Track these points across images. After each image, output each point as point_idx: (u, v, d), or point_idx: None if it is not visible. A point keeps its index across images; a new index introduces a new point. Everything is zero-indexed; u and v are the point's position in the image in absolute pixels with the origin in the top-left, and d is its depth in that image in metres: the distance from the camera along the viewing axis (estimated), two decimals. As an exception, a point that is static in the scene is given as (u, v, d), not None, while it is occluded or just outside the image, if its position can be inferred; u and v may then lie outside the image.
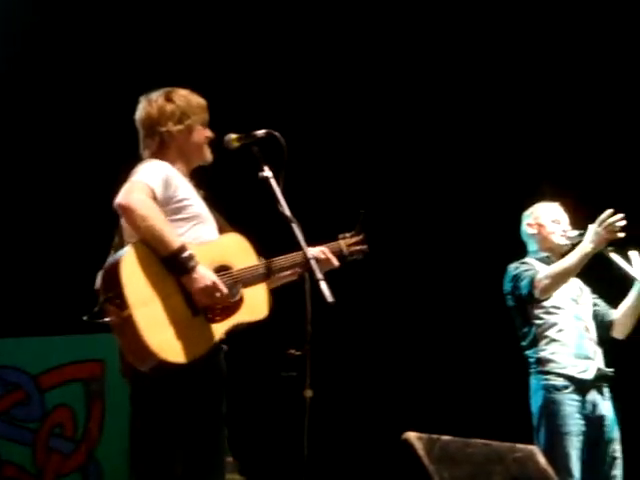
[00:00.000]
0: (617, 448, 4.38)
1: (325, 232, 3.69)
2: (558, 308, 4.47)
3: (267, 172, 3.36)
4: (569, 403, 4.32)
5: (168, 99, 3.49)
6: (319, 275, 3.14)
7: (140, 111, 3.51)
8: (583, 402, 4.35)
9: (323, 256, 3.55)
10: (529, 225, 4.68)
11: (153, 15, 6.46)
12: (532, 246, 4.67)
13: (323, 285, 3.09)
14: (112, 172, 3.43)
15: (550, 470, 3.62)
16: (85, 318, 3.17)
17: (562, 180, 5.67)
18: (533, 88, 6.31)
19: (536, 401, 4.40)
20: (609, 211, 4.29)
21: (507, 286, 4.54)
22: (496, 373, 5.96)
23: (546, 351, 4.41)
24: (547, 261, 4.56)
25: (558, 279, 4.36)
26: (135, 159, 3.45)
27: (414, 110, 6.51)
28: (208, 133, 3.54)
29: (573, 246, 4.49)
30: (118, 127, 4.07)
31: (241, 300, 3.32)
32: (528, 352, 4.47)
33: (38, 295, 6.71)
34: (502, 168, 6.31)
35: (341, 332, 6.02)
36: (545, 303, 4.44)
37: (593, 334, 4.51)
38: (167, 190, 3.32)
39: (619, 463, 4.37)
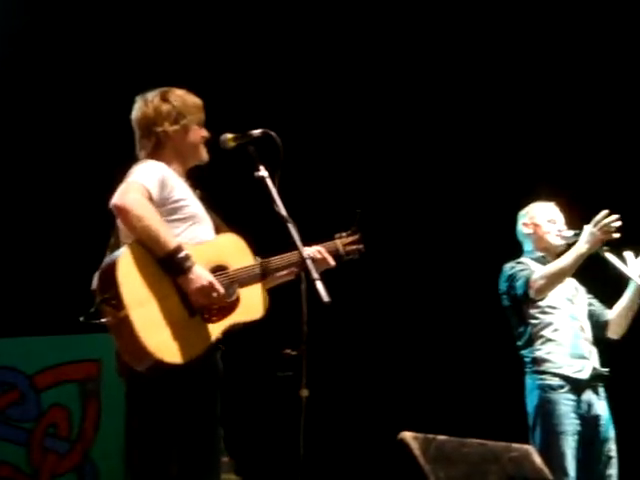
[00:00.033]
0: (612, 447, 4.39)
1: (321, 231, 3.69)
2: (554, 308, 4.47)
3: (263, 172, 3.36)
4: (564, 403, 4.33)
5: (164, 99, 3.49)
6: (315, 275, 3.14)
7: (136, 111, 3.51)
8: (578, 402, 4.35)
9: (319, 256, 3.55)
10: (525, 225, 4.68)
11: (148, 15, 6.46)
12: (528, 246, 4.68)
13: (319, 285, 3.10)
14: (108, 172, 3.43)
15: (546, 470, 3.63)
16: (82, 319, 3.17)
17: (557, 180, 5.67)
18: (528, 88, 6.31)
19: (532, 401, 4.41)
20: (604, 212, 4.30)
21: (502, 286, 4.55)
22: (492, 373, 5.96)
23: (542, 351, 4.42)
24: (543, 261, 4.57)
25: (553, 279, 4.37)
26: (131, 159, 3.44)
27: (410, 110, 6.51)
28: (204, 133, 3.54)
29: (568, 246, 4.49)
30: (114, 128, 4.07)
31: (238, 300, 3.32)
32: (524, 352, 4.48)
33: (34, 295, 6.70)
34: (498, 168, 6.32)
35: (337, 332, 6.02)
36: (541, 303, 4.44)
37: (588, 334, 4.52)
38: (163, 191, 3.32)
39: (614, 462, 4.38)
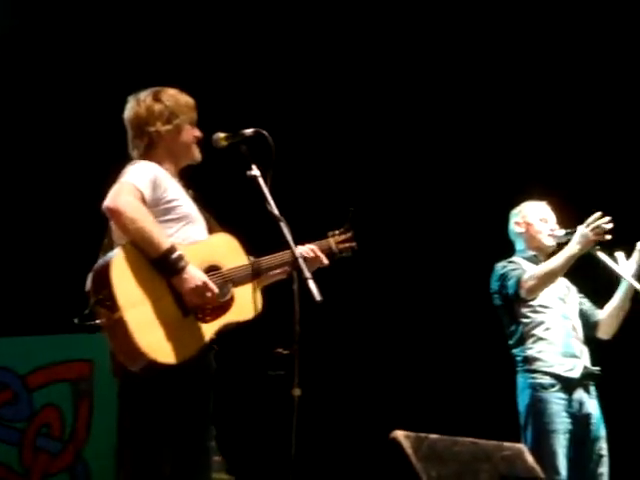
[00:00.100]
0: (603, 446, 4.40)
1: (314, 229, 3.70)
2: (545, 307, 4.48)
3: (255, 171, 3.36)
4: (556, 401, 4.33)
5: (156, 99, 3.49)
6: (307, 274, 3.15)
7: (128, 111, 3.51)
8: (570, 400, 4.36)
9: (312, 254, 3.56)
10: (517, 224, 4.69)
11: (141, 15, 6.45)
12: (520, 245, 4.69)
13: (311, 284, 3.10)
14: (101, 172, 3.42)
15: (538, 468, 3.64)
16: (76, 321, 3.17)
17: (549, 179, 5.69)
18: (521, 87, 6.32)
19: (523, 399, 4.41)
20: (597, 214, 4.31)
21: (494, 285, 4.55)
22: (483, 372, 5.97)
23: (533, 350, 4.43)
24: (534, 260, 4.58)
25: (545, 280, 4.38)
26: (124, 160, 3.44)
27: (402, 108, 6.52)
28: (197, 132, 3.54)
29: (560, 245, 4.51)
30: (107, 128, 4.07)
31: (232, 300, 3.33)
32: (515, 351, 4.49)
33: (26, 295, 6.69)
34: (490, 167, 6.33)
35: (329, 331, 6.03)
36: (532, 302, 4.45)
37: (580, 333, 4.53)
38: (156, 191, 3.32)
39: (605, 461, 4.38)
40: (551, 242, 4.58)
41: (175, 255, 3.19)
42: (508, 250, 4.71)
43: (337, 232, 3.74)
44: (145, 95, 3.51)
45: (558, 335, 4.45)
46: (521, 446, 3.77)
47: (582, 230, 4.33)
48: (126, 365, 3.18)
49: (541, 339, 4.44)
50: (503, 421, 4.59)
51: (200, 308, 3.25)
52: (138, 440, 3.24)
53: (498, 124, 6.38)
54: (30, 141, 6.71)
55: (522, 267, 4.50)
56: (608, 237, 4.32)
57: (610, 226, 4.30)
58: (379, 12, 6.39)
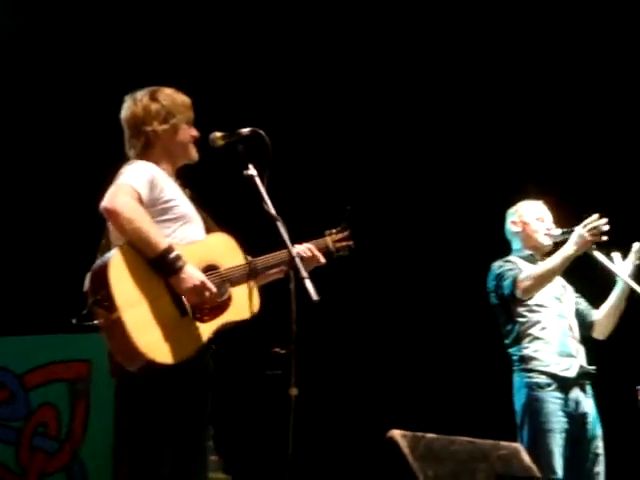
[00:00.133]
0: (599, 445, 4.41)
1: (311, 228, 3.70)
2: (541, 306, 4.49)
3: (252, 170, 3.36)
4: (552, 401, 4.34)
5: (153, 98, 3.48)
6: (304, 273, 3.15)
7: (125, 110, 3.51)
8: (566, 400, 4.37)
9: (309, 253, 3.57)
10: (513, 223, 4.70)
11: (137, 15, 6.45)
12: (516, 244, 4.69)
13: (308, 283, 3.11)
14: (98, 172, 3.42)
15: (534, 467, 3.65)
16: (74, 321, 3.18)
17: (546, 178, 5.70)
18: (517, 86, 6.33)
19: (519, 399, 4.42)
20: (595, 215, 4.32)
21: (490, 284, 4.56)
22: (480, 371, 5.98)
23: (529, 349, 4.43)
24: (531, 259, 4.58)
25: (541, 280, 4.39)
26: (122, 159, 3.44)
27: (399, 107, 6.52)
28: (193, 132, 3.54)
29: (556, 244, 4.51)
30: (104, 128, 4.06)
31: (229, 299, 3.33)
32: (511, 350, 4.49)
33: (23, 294, 6.69)
34: (487, 166, 6.34)
35: (326, 330, 6.03)
36: (528, 301, 4.46)
37: (576, 332, 4.54)
38: (153, 191, 3.32)
39: (602, 460, 4.39)
40: (547, 241, 4.59)
41: (173, 255, 3.19)
42: (504, 249, 4.71)
43: (334, 231, 3.75)
44: (142, 94, 3.51)
45: (554, 334, 4.45)
46: (517, 445, 3.78)
47: (579, 231, 4.34)
48: (124, 365, 3.17)
49: (537, 338, 4.44)
50: (499, 420, 4.60)
51: (198, 308, 3.25)
52: (136, 440, 3.24)
53: (495, 124, 6.39)
54: (29, 141, 6.70)
55: (518, 266, 4.51)
56: (604, 238, 4.33)
57: (607, 228, 4.31)
58: (375, 9, 6.39)
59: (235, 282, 3.35)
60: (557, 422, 4.31)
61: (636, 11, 6.04)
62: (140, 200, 3.25)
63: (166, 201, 3.35)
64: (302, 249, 3.54)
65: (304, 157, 6.37)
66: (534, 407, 4.35)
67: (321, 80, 6.51)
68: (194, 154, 3.54)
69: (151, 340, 3.12)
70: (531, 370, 4.39)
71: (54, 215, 6.66)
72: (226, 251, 3.40)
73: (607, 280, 4.54)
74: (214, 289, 3.24)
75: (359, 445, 5.93)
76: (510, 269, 4.50)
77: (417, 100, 6.47)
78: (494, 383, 4.92)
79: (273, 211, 3.28)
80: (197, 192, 3.55)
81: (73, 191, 6.29)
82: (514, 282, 4.42)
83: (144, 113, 3.46)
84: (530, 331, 4.46)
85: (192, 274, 3.21)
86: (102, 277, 3.14)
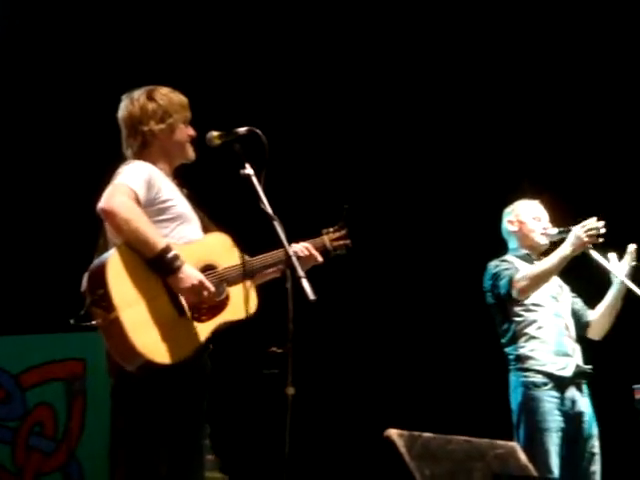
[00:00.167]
0: (595, 444, 4.41)
1: (309, 227, 3.70)
2: (538, 305, 4.49)
3: (249, 169, 3.36)
4: (548, 400, 4.35)
5: (150, 98, 3.48)
6: (300, 272, 3.15)
7: (122, 110, 3.51)
8: (562, 399, 4.37)
9: (306, 252, 3.57)
10: (510, 222, 4.70)
11: (134, 14, 6.44)
12: (512, 243, 4.70)
13: (305, 282, 3.11)
14: (95, 172, 3.42)
15: (530, 467, 3.65)
16: (72, 321, 3.17)
17: (542, 178, 5.70)
18: (514, 86, 6.34)
19: (516, 398, 4.42)
20: (593, 218, 4.33)
21: (487, 284, 4.56)
22: (476, 370, 5.98)
23: (525, 348, 4.44)
24: (527, 258, 4.59)
25: (537, 281, 4.39)
26: (119, 159, 3.44)
27: (396, 106, 6.53)
28: (190, 131, 3.53)
29: (553, 244, 4.52)
30: (102, 127, 4.06)
31: (227, 299, 3.33)
32: (508, 349, 4.49)
33: (19, 294, 6.68)
34: (483, 165, 6.34)
35: (323, 329, 6.03)
36: (525, 301, 4.46)
37: (572, 331, 4.54)
38: (150, 191, 3.32)
39: (597, 459, 4.40)
40: (544, 240, 4.59)
41: (171, 255, 3.19)
42: (501, 248, 4.72)
43: (331, 230, 3.75)
44: (139, 94, 3.50)
45: (550, 334, 4.46)
46: (514, 444, 3.78)
47: (576, 232, 4.34)
48: (122, 365, 3.17)
49: (533, 338, 4.45)
50: (496, 419, 4.60)
51: (196, 308, 3.25)
52: (134, 440, 3.23)
53: (491, 123, 6.40)
54: (27, 141, 6.70)
55: (515, 266, 4.51)
56: (601, 240, 4.34)
57: (604, 231, 4.32)
58: (370, 7, 6.40)
59: (232, 282, 3.35)
60: (553, 421, 4.32)
61: (630, 11, 6.05)
62: (137, 200, 3.25)
63: (163, 201, 3.35)
64: (299, 248, 3.55)
65: (301, 156, 6.37)
66: (530, 406, 4.35)
67: (316, 79, 6.51)
68: (191, 153, 3.54)
69: (149, 340, 3.12)
70: (527, 369, 4.40)
71: (51, 215, 6.66)
72: (223, 251, 3.40)
73: (603, 280, 4.55)
74: (212, 288, 3.25)
75: (356, 444, 5.94)
76: (506, 269, 4.50)
77: (414, 99, 6.48)
78: (490, 382, 4.93)
79: (270, 210, 3.28)
80: (194, 191, 3.55)
81: (70, 191, 6.29)
82: (510, 282, 4.42)
83: (141, 113, 3.46)
84: (526, 330, 4.46)
85: (190, 273, 3.21)
86: (100, 277, 3.14)
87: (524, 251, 4.63)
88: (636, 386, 4.31)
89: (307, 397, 3.40)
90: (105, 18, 6.43)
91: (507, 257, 4.62)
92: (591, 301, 4.66)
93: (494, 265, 4.57)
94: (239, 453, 6.16)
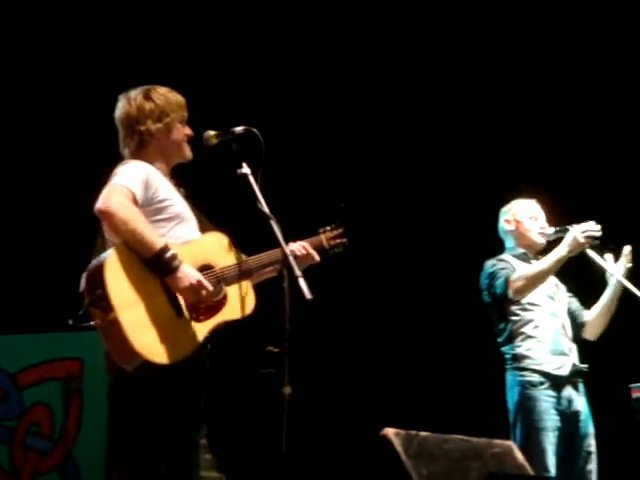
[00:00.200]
0: (592, 443, 4.42)
1: (305, 226, 3.71)
2: (534, 305, 4.50)
3: (246, 169, 3.36)
4: (545, 399, 4.35)
5: (147, 97, 3.48)
6: (297, 272, 3.15)
7: (119, 110, 3.51)
8: (558, 398, 4.38)
9: (303, 251, 3.57)
10: (506, 221, 4.70)
11: (131, 14, 6.44)
12: (509, 242, 4.70)
13: (301, 282, 3.11)
14: (92, 172, 3.42)
15: (527, 466, 3.66)
16: (70, 322, 3.18)
17: (539, 177, 5.71)
18: (511, 86, 6.34)
19: (512, 397, 4.43)
20: (592, 222, 4.34)
21: (483, 283, 4.57)
22: (473, 369, 5.98)
23: (522, 347, 4.44)
24: (524, 258, 4.59)
25: (533, 281, 4.40)
26: (116, 159, 3.44)
27: (393, 106, 6.53)
28: (187, 131, 3.54)
29: (550, 243, 4.52)
30: (99, 127, 4.06)
31: (224, 298, 3.33)
32: (504, 348, 4.50)
33: (16, 293, 6.68)
34: (480, 165, 6.35)
35: (320, 329, 6.03)
36: (521, 300, 4.47)
37: (569, 331, 4.55)
38: (147, 191, 3.32)
39: (594, 458, 4.41)
40: (541, 240, 4.60)
41: (169, 254, 3.19)
42: (498, 248, 4.72)
43: (328, 228, 3.76)
44: (136, 94, 3.50)
45: (547, 333, 4.46)
46: (510, 443, 3.79)
47: (573, 232, 4.35)
48: (120, 365, 3.18)
49: (530, 337, 4.45)
50: (493, 419, 4.61)
51: (194, 307, 3.25)
52: (133, 440, 3.23)
53: (488, 123, 6.40)
54: (25, 141, 6.69)
55: (511, 265, 4.52)
56: (597, 242, 4.35)
57: (600, 234, 4.33)
58: (368, 7, 6.40)
59: (230, 281, 3.36)
60: (550, 420, 4.32)
61: (628, 12, 6.05)
62: (135, 200, 3.25)
63: (161, 201, 3.35)
64: (296, 247, 3.55)
65: (298, 155, 6.37)
66: (527, 405, 4.36)
67: (313, 78, 6.51)
68: (188, 153, 3.54)
69: (147, 340, 3.12)
70: (524, 368, 4.40)
71: (49, 215, 6.65)
72: (221, 250, 3.40)
73: (599, 280, 4.55)
74: (210, 288, 3.25)
75: (353, 443, 5.94)
76: (503, 268, 4.50)
77: (411, 98, 6.48)
78: (487, 381, 4.93)
79: (267, 209, 3.28)
80: (191, 191, 3.55)
81: (68, 191, 6.28)
82: (506, 282, 4.43)
83: (138, 112, 3.46)
84: (523, 329, 4.46)
85: (188, 273, 3.21)
86: (98, 277, 3.14)
87: (521, 250, 4.63)
88: (632, 385, 4.32)
89: (304, 396, 3.40)
90: (104, 18, 6.42)
91: (504, 256, 4.63)
92: (587, 301, 4.66)
93: (491, 264, 4.57)
94: (236, 452, 6.16)
